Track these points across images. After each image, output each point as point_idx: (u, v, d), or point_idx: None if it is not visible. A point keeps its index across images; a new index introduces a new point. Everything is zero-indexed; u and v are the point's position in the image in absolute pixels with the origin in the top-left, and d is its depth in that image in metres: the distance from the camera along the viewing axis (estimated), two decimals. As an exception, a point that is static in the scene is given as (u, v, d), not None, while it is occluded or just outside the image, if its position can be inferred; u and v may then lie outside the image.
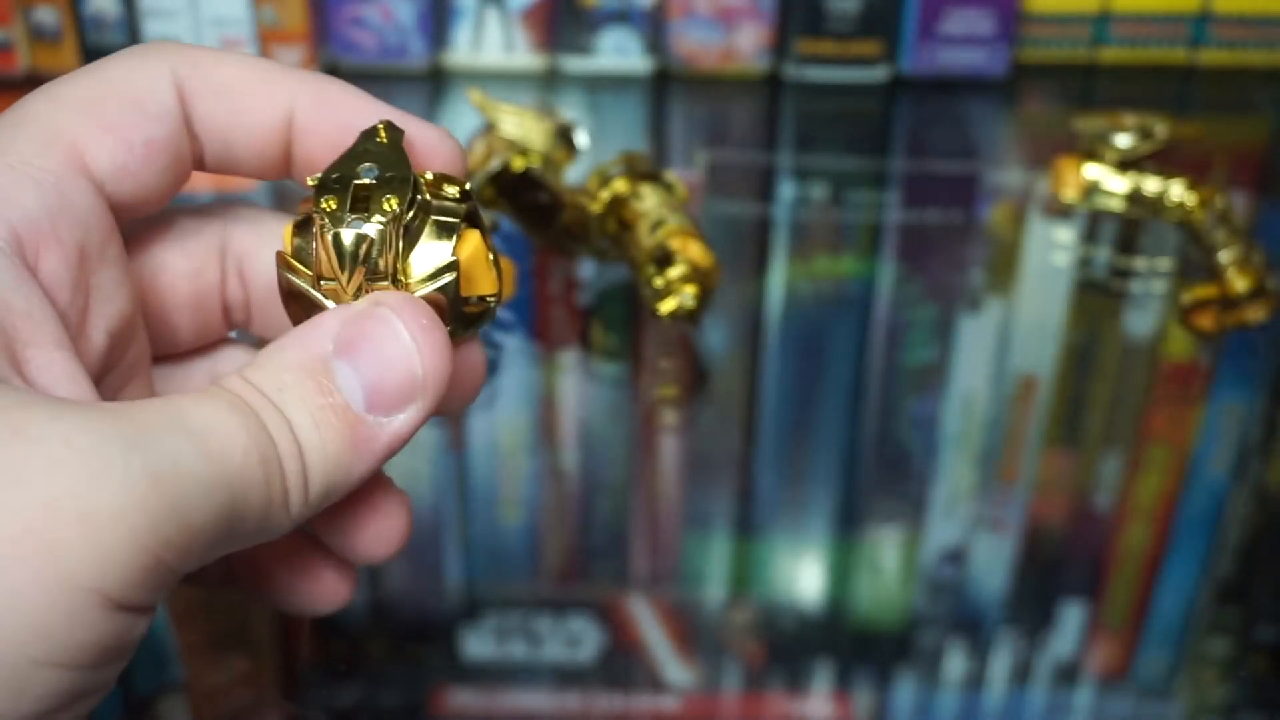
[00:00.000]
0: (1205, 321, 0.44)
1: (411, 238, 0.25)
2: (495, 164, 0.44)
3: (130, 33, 0.59)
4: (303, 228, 0.25)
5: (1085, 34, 0.62)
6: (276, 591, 0.28)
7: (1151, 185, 0.49)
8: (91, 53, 0.59)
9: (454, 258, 0.25)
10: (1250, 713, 0.33)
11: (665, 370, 0.46)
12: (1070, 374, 0.45)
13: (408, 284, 0.25)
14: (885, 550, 0.38)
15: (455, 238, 0.25)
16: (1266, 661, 0.35)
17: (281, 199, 0.51)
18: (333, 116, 0.26)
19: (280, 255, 0.25)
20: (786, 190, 0.56)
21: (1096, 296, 0.49)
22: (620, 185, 0.43)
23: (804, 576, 0.37)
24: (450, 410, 0.32)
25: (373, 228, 0.24)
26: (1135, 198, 0.50)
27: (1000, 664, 0.34)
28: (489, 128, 0.48)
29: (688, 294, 0.41)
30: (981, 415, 0.43)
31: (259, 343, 0.29)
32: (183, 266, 0.28)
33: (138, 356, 0.27)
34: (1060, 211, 0.52)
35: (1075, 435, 0.43)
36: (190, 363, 0.29)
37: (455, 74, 0.61)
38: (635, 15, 0.60)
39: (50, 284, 0.24)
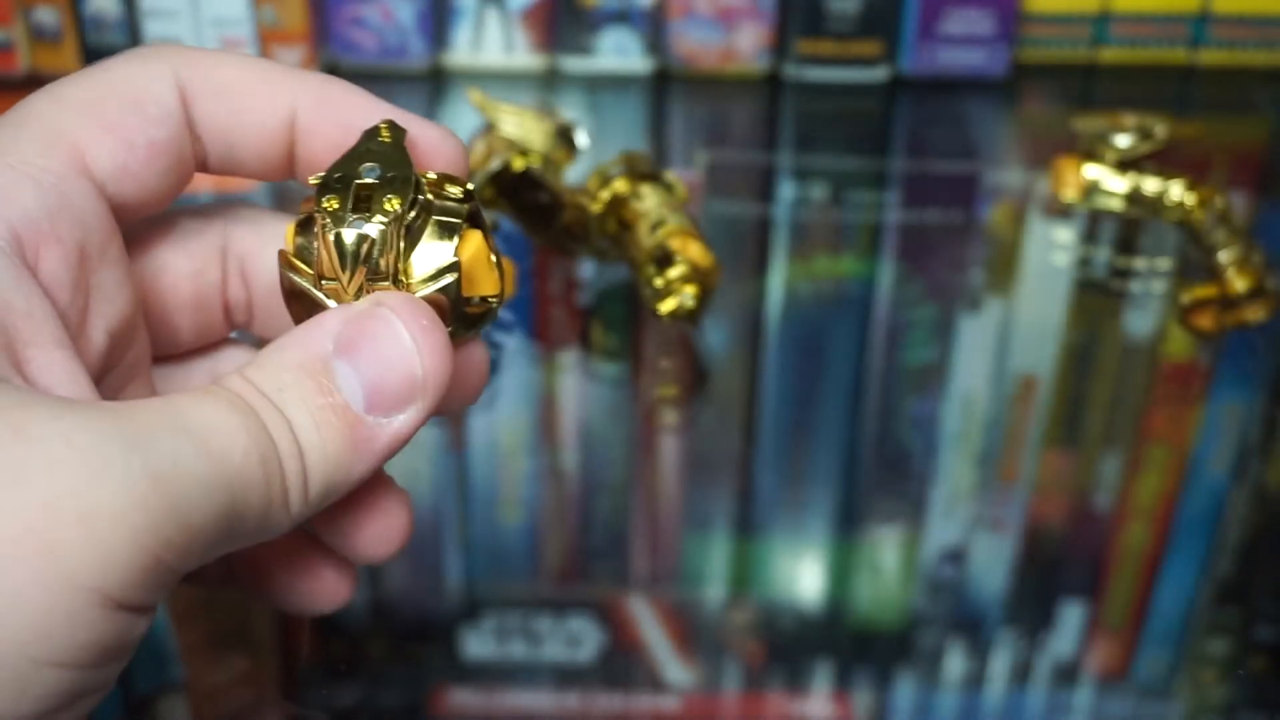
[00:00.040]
0: (1205, 321, 0.44)
1: (413, 238, 0.25)
2: (495, 164, 0.44)
3: (130, 33, 0.59)
4: (305, 227, 0.25)
5: (1085, 34, 0.62)
6: (277, 591, 0.28)
7: (1151, 185, 0.49)
8: (92, 53, 0.59)
9: (455, 258, 0.25)
10: (1250, 713, 0.33)
11: (665, 370, 0.46)
12: (1070, 374, 0.45)
13: (409, 284, 0.25)
14: (885, 550, 0.38)
15: (457, 238, 0.25)
16: (1266, 661, 0.35)
17: (282, 199, 0.51)
18: (335, 116, 0.26)
19: (282, 254, 0.25)
20: (786, 190, 0.56)
21: (1096, 296, 0.49)
22: (620, 185, 0.43)
23: (804, 576, 0.37)
24: (453, 409, 0.32)
25: (374, 227, 0.24)
26: (1135, 198, 0.50)
27: (1000, 664, 0.34)
28: (489, 128, 0.48)
29: (688, 294, 0.41)
30: (981, 415, 0.43)
31: (260, 343, 0.29)
32: (184, 267, 0.28)
33: (138, 356, 0.27)
34: (1060, 211, 0.52)
35: (1075, 435, 0.43)
36: (191, 363, 0.29)
37: (455, 74, 0.61)
38: (635, 15, 0.60)
39: (50, 284, 0.24)
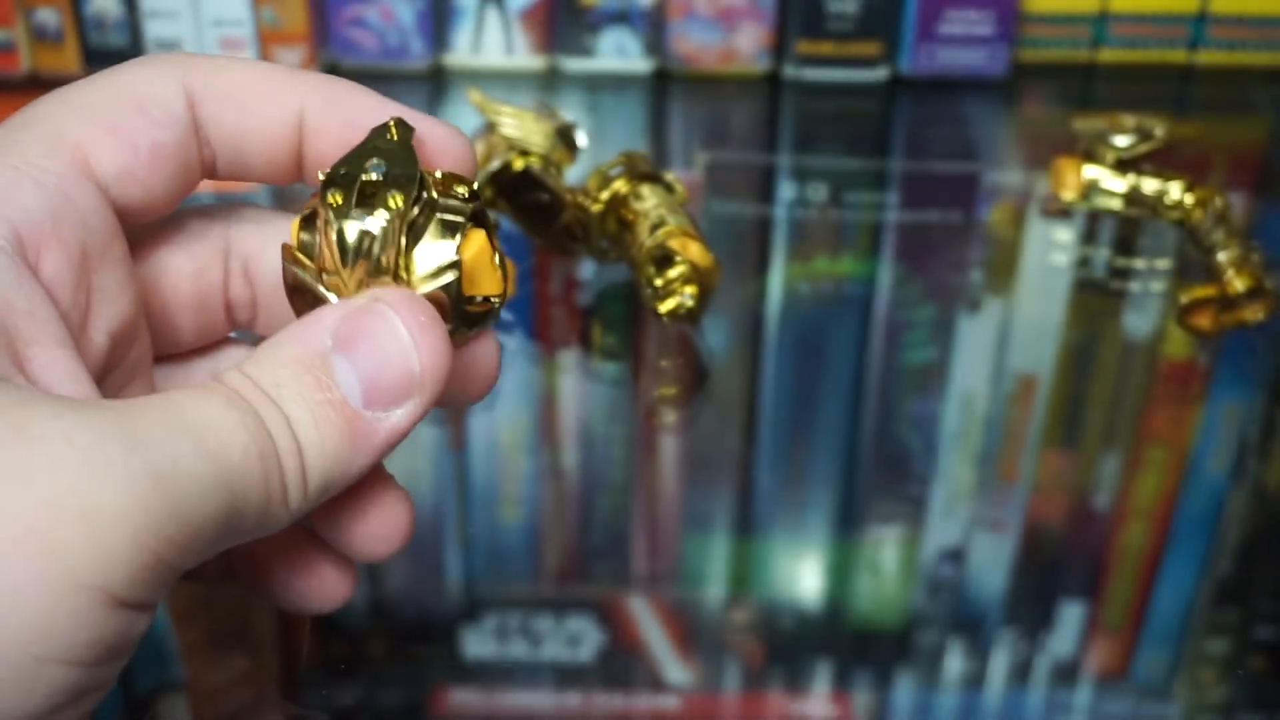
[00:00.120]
0: (1204, 321, 0.45)
1: (416, 235, 0.25)
2: (495, 164, 0.44)
3: (131, 33, 0.59)
4: (309, 222, 0.25)
5: (1085, 34, 0.63)
6: (277, 588, 0.28)
7: (1150, 185, 0.49)
8: (92, 53, 0.59)
9: (457, 257, 0.25)
10: (1250, 713, 0.33)
11: (665, 370, 0.46)
12: (1069, 374, 0.45)
13: (410, 281, 0.25)
14: (885, 550, 0.38)
15: (460, 236, 0.25)
16: (1266, 661, 0.35)
17: (283, 200, 0.51)
18: (343, 117, 0.26)
19: (286, 248, 0.25)
20: (786, 190, 0.56)
21: (1095, 296, 0.49)
22: (620, 185, 0.43)
23: (804, 576, 0.37)
24: (463, 403, 0.32)
25: (376, 223, 0.24)
26: (1134, 198, 0.50)
27: (1000, 664, 0.34)
28: (489, 128, 0.48)
29: (688, 294, 0.41)
30: (981, 415, 0.43)
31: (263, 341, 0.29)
32: (186, 267, 0.28)
33: (140, 356, 0.27)
34: (1059, 211, 0.52)
35: (1075, 435, 0.43)
36: (192, 362, 0.29)
37: (455, 74, 0.61)
38: (635, 15, 0.60)
39: (52, 284, 0.24)
